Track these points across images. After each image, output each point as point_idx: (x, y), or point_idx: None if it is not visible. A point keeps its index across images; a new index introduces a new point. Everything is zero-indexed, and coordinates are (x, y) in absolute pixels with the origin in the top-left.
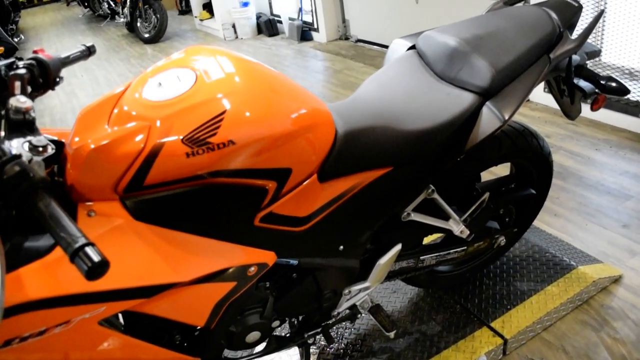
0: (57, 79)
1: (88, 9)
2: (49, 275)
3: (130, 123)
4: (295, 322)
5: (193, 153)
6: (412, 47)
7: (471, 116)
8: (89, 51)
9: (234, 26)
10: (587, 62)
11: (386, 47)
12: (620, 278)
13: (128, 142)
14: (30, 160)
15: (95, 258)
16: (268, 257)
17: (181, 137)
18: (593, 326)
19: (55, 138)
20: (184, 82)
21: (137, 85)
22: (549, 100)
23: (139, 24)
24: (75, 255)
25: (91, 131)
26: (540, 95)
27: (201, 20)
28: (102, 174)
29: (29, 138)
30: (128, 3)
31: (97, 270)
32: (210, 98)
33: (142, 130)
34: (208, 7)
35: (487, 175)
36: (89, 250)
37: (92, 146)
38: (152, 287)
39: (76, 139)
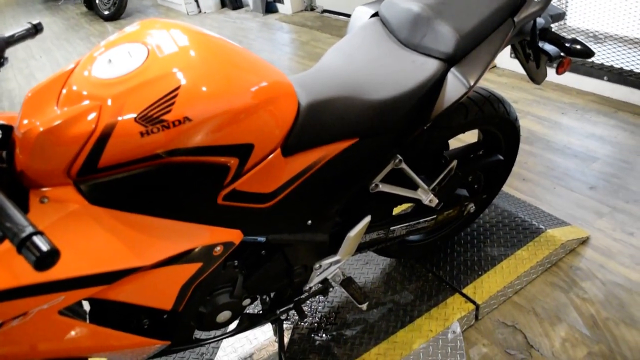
0: (1, 60)
1: None
2: (1, 267)
3: (80, 103)
4: (267, 299)
5: (147, 132)
6: (375, 15)
7: (436, 83)
8: (36, 29)
9: (196, 0)
10: (552, 25)
11: None
12: (587, 239)
13: (78, 123)
14: None
15: (44, 247)
16: (234, 236)
17: (134, 116)
18: (562, 287)
19: (3, 122)
20: (135, 58)
21: (86, 63)
22: (516, 66)
23: (97, 1)
24: (23, 245)
25: (40, 113)
26: (507, 61)
27: None
28: (53, 158)
29: None
30: None
31: (46, 260)
32: (163, 73)
33: (93, 110)
34: None
35: (455, 143)
36: (36, 239)
37: (41, 129)
38: (113, 273)
39: (24, 122)
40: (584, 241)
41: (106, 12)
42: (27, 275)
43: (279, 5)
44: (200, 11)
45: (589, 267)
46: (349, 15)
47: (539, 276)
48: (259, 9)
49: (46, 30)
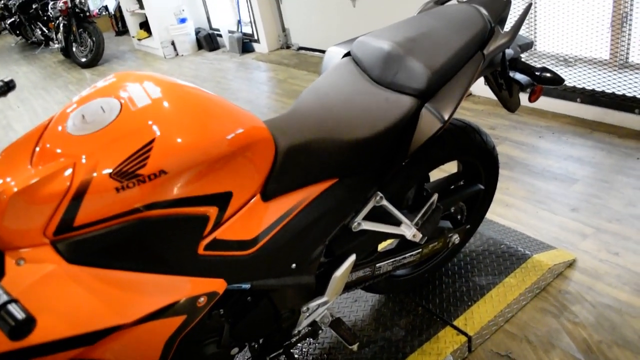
0: None
1: (20, 36)
2: None
3: (54, 161)
4: (256, 345)
5: (123, 187)
6: (348, 54)
7: (411, 119)
8: (8, 86)
9: (173, 43)
10: (522, 54)
11: None
12: (574, 262)
13: (53, 182)
14: None
15: (18, 316)
16: (217, 285)
17: (109, 172)
18: (553, 313)
19: None
20: (108, 113)
21: (59, 120)
22: (492, 93)
23: (74, 49)
24: None
25: (13, 173)
26: (482, 88)
27: (139, 39)
28: (29, 218)
29: None
30: (61, 28)
31: (21, 329)
32: (137, 127)
33: (67, 168)
34: (145, 26)
35: (437, 173)
36: (10, 308)
37: (15, 189)
38: (94, 334)
39: None
40: (571, 264)
41: (83, 60)
42: (4, 342)
43: (255, 45)
44: (177, 54)
45: (577, 290)
46: (324, 52)
47: (528, 302)
48: (235, 50)
49: (23, 80)
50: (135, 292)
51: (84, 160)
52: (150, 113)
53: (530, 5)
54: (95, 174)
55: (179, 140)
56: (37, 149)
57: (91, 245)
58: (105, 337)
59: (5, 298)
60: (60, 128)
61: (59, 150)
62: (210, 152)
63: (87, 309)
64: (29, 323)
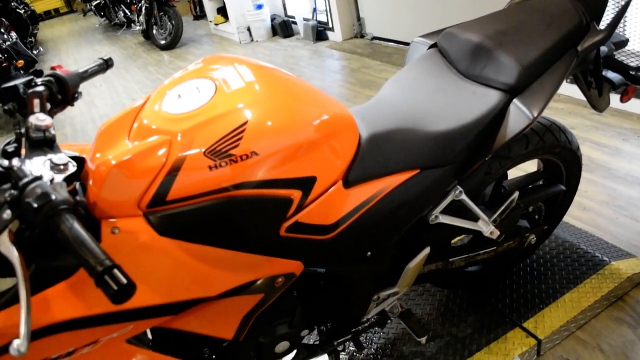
0: (76, 95)
1: (104, 18)
2: (75, 296)
3: (151, 137)
4: (324, 329)
5: (216, 166)
6: (433, 45)
7: (498, 114)
8: (107, 64)
9: (248, 29)
10: (615, 52)
11: (402, 43)
12: None
13: (149, 157)
14: (52, 180)
15: (122, 281)
16: (295, 267)
17: (203, 150)
18: (629, 323)
19: (76, 154)
20: (203, 93)
21: (156, 98)
22: (573, 91)
23: (154, 31)
24: (101, 278)
25: (112, 147)
26: (564, 86)
27: (216, 24)
28: (125, 190)
29: (49, 156)
30: (143, 11)
31: (123, 293)
32: (231, 109)
33: (164, 144)
34: (222, 12)
35: (514, 171)
36: (115, 273)
37: (114, 162)
38: (180, 303)
39: (97, 155)
40: None
41: (162, 42)
42: (101, 304)
43: (329, 33)
44: (252, 40)
45: None
46: (398, 42)
47: (603, 311)
48: (309, 37)
49: None
50: (219, 268)
51: (179, 138)
52: (244, 96)
53: (629, 0)
54: (190, 152)
55: (269, 123)
56: (135, 125)
57: (181, 220)
58: (189, 308)
59: (109, 263)
60: (157, 106)
61: (155, 127)
62: (298, 136)
63: (175, 280)
64: (131, 288)
